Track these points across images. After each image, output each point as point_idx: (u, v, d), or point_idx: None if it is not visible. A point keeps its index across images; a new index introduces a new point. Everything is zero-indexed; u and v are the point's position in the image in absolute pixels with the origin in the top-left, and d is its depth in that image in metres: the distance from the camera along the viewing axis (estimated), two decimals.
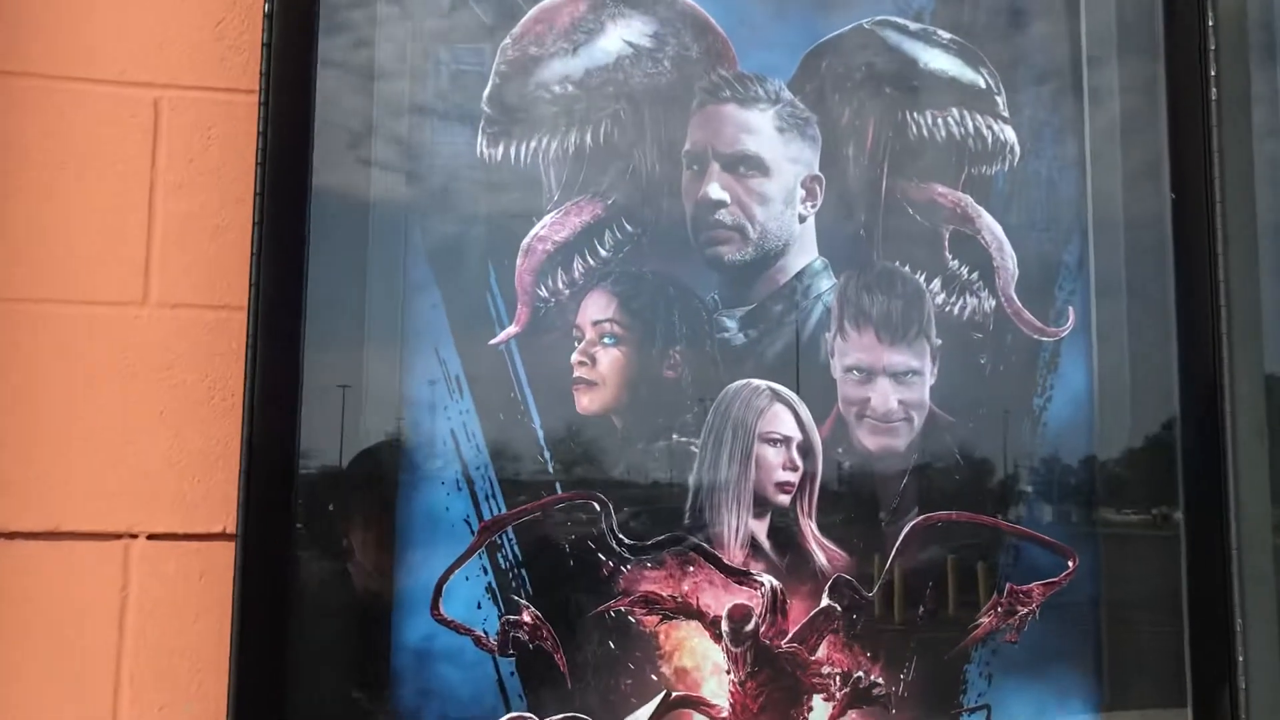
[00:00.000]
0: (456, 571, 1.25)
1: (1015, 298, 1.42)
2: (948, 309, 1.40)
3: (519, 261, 1.31)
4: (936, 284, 1.40)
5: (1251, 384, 1.44)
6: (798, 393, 1.35)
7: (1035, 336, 1.41)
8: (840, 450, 1.35)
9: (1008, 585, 1.36)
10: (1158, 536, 1.41)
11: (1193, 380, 1.42)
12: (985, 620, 1.35)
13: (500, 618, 1.25)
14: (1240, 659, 1.37)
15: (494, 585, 1.26)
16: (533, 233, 1.31)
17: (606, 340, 1.32)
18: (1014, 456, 1.39)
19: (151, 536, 1.28)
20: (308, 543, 1.22)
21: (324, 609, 1.23)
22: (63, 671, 1.24)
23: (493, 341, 1.29)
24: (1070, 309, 1.43)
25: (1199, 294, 1.43)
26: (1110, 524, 1.41)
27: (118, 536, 1.27)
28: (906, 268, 1.40)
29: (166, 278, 1.31)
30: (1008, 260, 1.42)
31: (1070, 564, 1.39)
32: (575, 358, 1.31)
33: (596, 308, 1.32)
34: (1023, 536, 1.38)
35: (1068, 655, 1.38)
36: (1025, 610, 1.37)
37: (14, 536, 1.25)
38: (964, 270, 1.41)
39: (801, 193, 1.38)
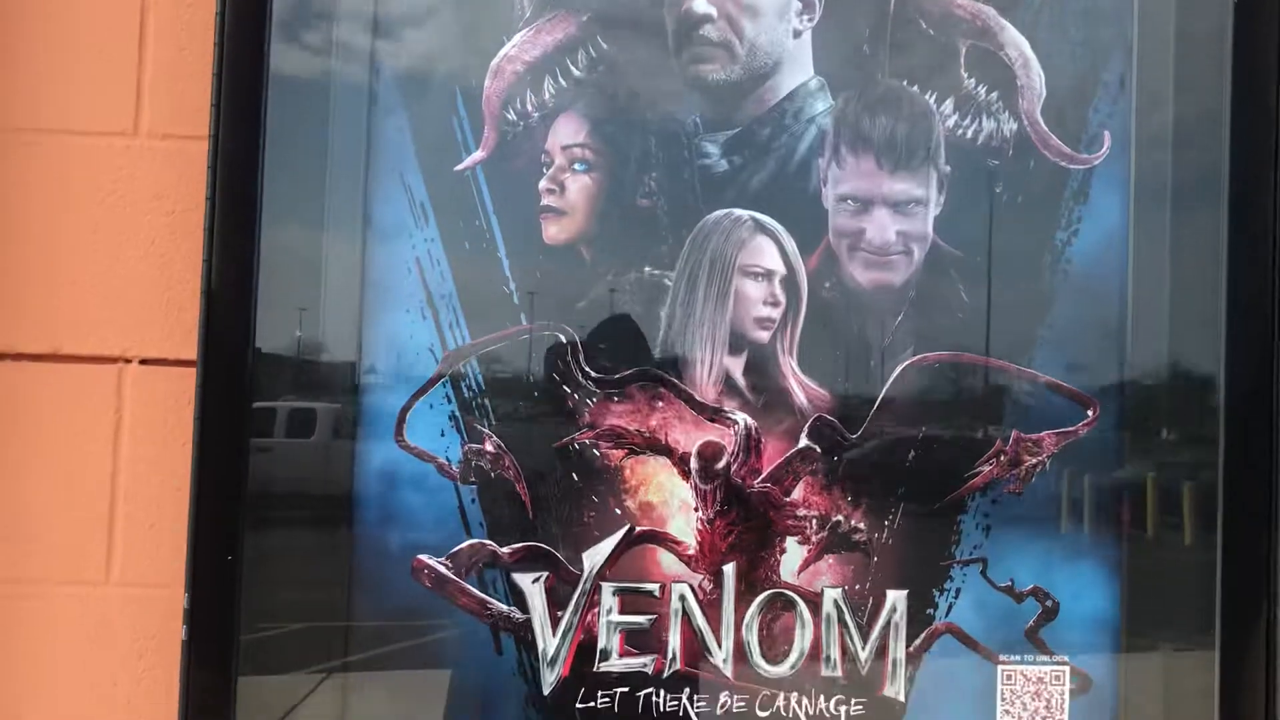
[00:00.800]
0: (420, 400, 1.25)
1: (1041, 120, 1.28)
2: (960, 132, 1.27)
3: (487, 83, 1.26)
4: (948, 105, 1.27)
5: None
6: (783, 223, 1.26)
7: (1062, 164, 1.28)
8: (828, 285, 1.26)
9: (1014, 433, 1.26)
10: (1192, 388, 1.27)
11: (1245, 219, 1.26)
12: (985, 469, 1.26)
13: (463, 446, 1.24)
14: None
15: (457, 414, 1.25)
16: (502, 53, 1.26)
17: (577, 166, 1.26)
18: (1029, 294, 1.27)
19: (144, 361, 1.32)
20: (268, 368, 1.23)
21: (288, 435, 1.25)
22: (63, 487, 1.31)
23: (458, 168, 1.26)
24: (1106, 134, 1.28)
25: (1258, 119, 1.26)
26: (1140, 371, 1.27)
27: (113, 360, 1.32)
28: (914, 87, 1.28)
29: (156, 109, 1.33)
30: (1034, 79, 1.28)
31: (1090, 413, 1.27)
32: (544, 185, 1.26)
33: (567, 132, 1.26)
34: (1034, 380, 1.27)
35: (1080, 512, 1.27)
36: (1033, 460, 1.26)
37: (19, 358, 1.32)
38: (981, 90, 1.28)
39: (798, 5, 1.27)
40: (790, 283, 1.26)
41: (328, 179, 1.24)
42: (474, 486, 1.24)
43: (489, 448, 1.24)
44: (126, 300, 1.32)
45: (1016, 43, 1.28)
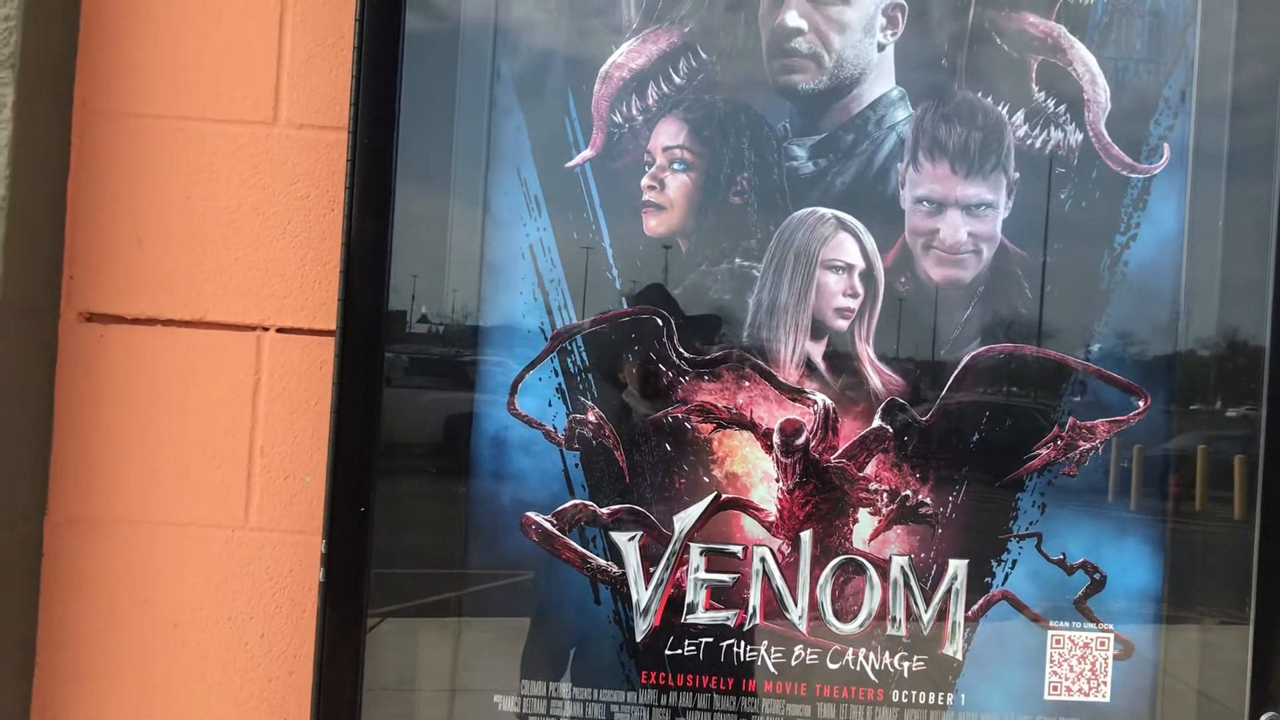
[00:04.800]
0: (530, 373, 1.38)
1: (1105, 132, 1.38)
2: (1029, 142, 1.38)
3: (596, 88, 1.39)
4: (1019, 116, 1.38)
5: None
6: (863, 222, 1.38)
7: (1123, 173, 1.38)
8: (903, 280, 1.38)
9: (1070, 419, 1.38)
10: (1239, 383, 1.38)
11: None
12: (1043, 452, 1.38)
13: (568, 415, 1.38)
14: None
15: (563, 387, 1.38)
16: (611, 60, 1.39)
17: (676, 166, 1.39)
18: (1088, 293, 1.38)
19: (280, 330, 1.47)
20: (400, 340, 1.38)
21: (413, 399, 1.39)
22: (207, 440, 1.46)
23: (569, 164, 1.39)
24: (1166, 146, 1.39)
25: None
26: (1192, 363, 1.38)
27: (252, 328, 1.47)
28: (989, 99, 1.39)
29: (294, 101, 1.47)
30: (1099, 93, 1.38)
31: (1141, 404, 1.38)
32: (645, 182, 1.39)
33: (668, 134, 1.39)
34: (1090, 372, 1.38)
35: (1130, 493, 1.38)
36: (1087, 445, 1.38)
37: (168, 323, 1.47)
38: (1050, 103, 1.38)
39: (882, 20, 1.39)
40: (868, 276, 1.38)
41: (453, 171, 1.38)
42: (577, 453, 1.38)
43: (591, 418, 1.38)
44: (265, 275, 1.46)
45: (1084, 59, 1.39)
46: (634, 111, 1.39)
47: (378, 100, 1.36)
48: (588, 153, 1.39)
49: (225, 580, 1.45)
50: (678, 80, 1.39)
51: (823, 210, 1.38)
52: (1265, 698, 1.35)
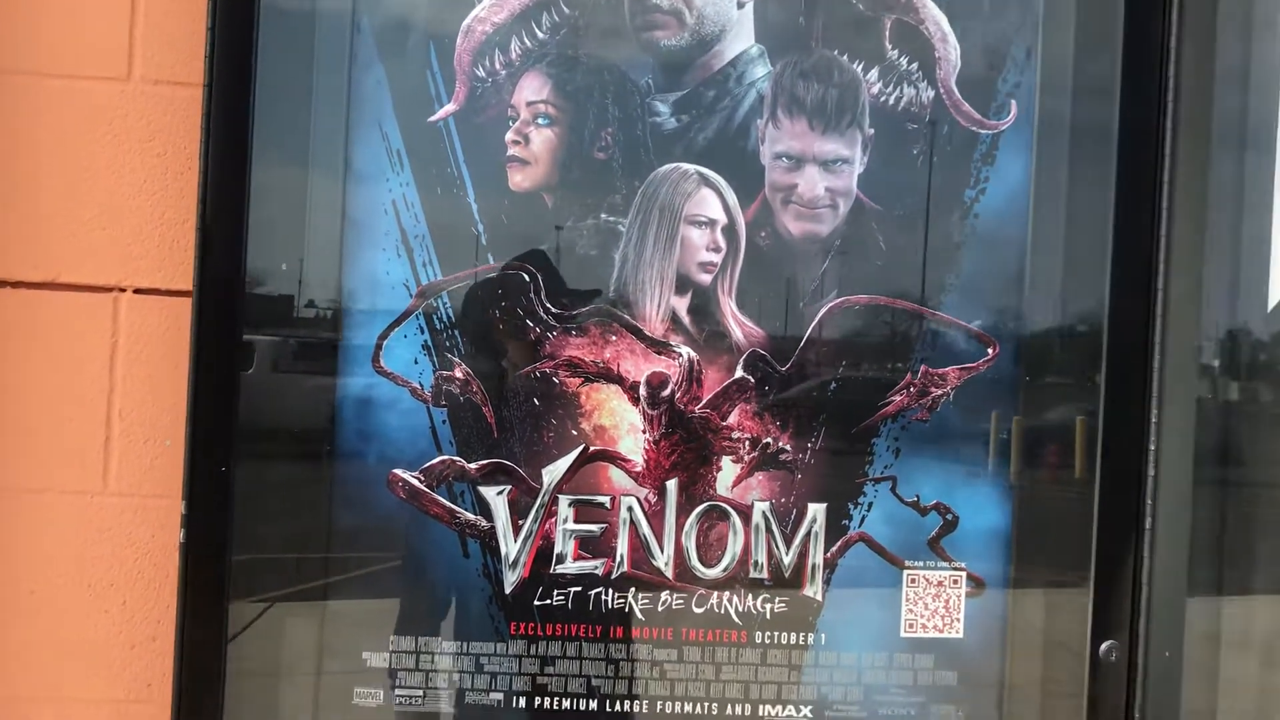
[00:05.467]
0: (395, 330, 1.38)
1: (955, 89, 1.43)
2: (883, 99, 1.42)
3: (459, 42, 1.38)
4: (874, 74, 1.42)
5: (1195, 185, 1.44)
6: (725, 177, 1.41)
7: (973, 129, 1.43)
8: (763, 234, 1.41)
9: (923, 367, 1.43)
10: (1081, 335, 1.45)
11: (1132, 185, 1.43)
12: (897, 399, 1.43)
13: (435, 372, 1.38)
14: (1153, 445, 1.42)
15: (430, 344, 1.38)
16: (473, 13, 1.38)
17: (540, 121, 1.39)
18: (940, 245, 1.43)
19: (138, 291, 1.44)
20: (260, 299, 1.36)
21: (276, 357, 1.38)
22: (63, 404, 1.42)
23: (432, 119, 1.38)
24: (1013, 102, 1.44)
25: (1147, 91, 1.42)
26: (1037, 316, 1.45)
27: (108, 290, 1.43)
28: (845, 56, 1.42)
29: (148, 57, 1.43)
30: (950, 51, 1.43)
31: (991, 351, 1.44)
32: (510, 137, 1.39)
33: (531, 89, 1.39)
34: (942, 322, 1.43)
35: (980, 438, 1.44)
36: (939, 392, 1.43)
37: (18, 285, 1.43)
38: (903, 60, 1.43)
39: None
40: (730, 231, 1.41)
41: (313, 126, 1.36)
42: (444, 409, 1.38)
43: (458, 374, 1.38)
44: (121, 235, 1.43)
45: (936, 18, 1.43)
46: (497, 66, 1.39)
47: (234, 55, 1.33)
48: (450, 107, 1.38)
49: (84, 546, 1.42)
50: (540, 35, 1.39)
51: (686, 166, 1.40)
52: (1105, 629, 1.43)
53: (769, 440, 1.41)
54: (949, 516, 1.43)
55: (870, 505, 1.43)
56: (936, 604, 1.43)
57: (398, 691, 1.38)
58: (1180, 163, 1.42)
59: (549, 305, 1.39)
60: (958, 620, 1.43)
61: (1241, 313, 1.49)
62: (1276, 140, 1.47)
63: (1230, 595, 1.50)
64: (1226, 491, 1.48)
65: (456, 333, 1.39)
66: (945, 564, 1.43)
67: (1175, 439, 1.42)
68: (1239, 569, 1.51)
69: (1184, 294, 1.43)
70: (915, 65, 1.43)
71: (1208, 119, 1.43)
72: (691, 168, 1.40)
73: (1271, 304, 1.48)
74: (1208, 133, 1.43)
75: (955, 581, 1.44)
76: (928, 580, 1.43)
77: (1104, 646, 1.43)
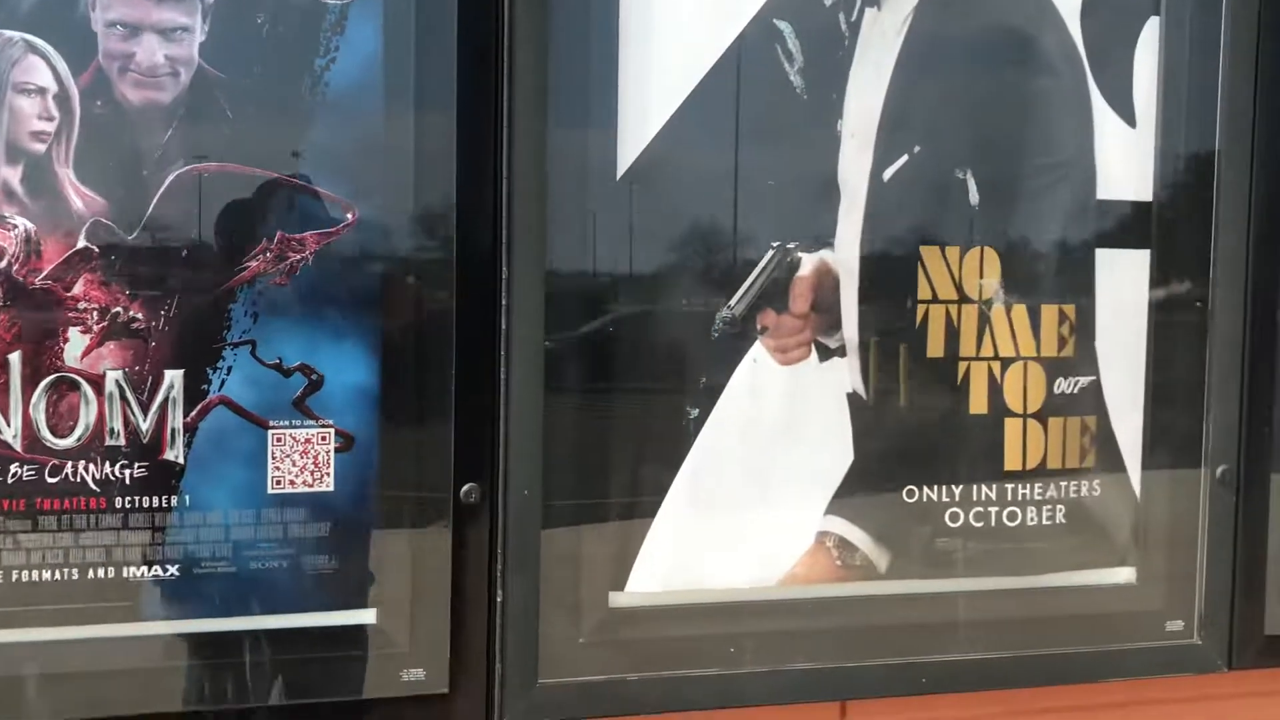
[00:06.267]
0: None
1: None
2: None
3: None
4: None
5: (533, 55, 1.52)
6: (53, 45, 1.39)
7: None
8: (100, 103, 1.41)
9: (279, 233, 1.47)
10: (435, 208, 1.52)
11: (474, 59, 1.50)
12: (253, 264, 1.47)
13: None
14: (505, 301, 1.52)
15: None
16: None
17: None
18: (291, 113, 1.47)
19: None
20: None
21: None
22: None
23: None
24: None
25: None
26: (393, 186, 1.51)
27: None
28: None
29: None
30: None
31: (349, 217, 1.49)
32: None
33: None
34: (297, 189, 1.48)
35: (342, 301, 1.50)
36: (297, 257, 1.48)
37: None
38: None
39: None
40: (63, 99, 1.40)
41: None
42: None
43: None
44: None
45: None
46: None
47: None
48: None
49: None
50: None
51: (9, 33, 1.38)
52: (465, 474, 1.53)
53: (119, 310, 1.42)
54: (314, 377, 1.49)
55: (230, 369, 1.47)
56: (305, 460, 1.49)
57: None
58: (519, 21, 1.51)
59: None
60: (327, 475, 1.50)
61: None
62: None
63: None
64: (580, 348, 1.59)
65: None
66: (313, 422, 1.49)
67: (527, 302, 1.53)
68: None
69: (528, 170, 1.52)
70: None
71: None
72: (17, 34, 1.38)
73: (621, 172, 1.59)
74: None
75: (323, 438, 1.50)
76: (294, 439, 1.49)
77: (465, 488, 1.53)
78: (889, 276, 1.68)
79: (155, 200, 1.43)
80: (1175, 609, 1.80)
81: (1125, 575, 1.80)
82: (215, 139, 1.45)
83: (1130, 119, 1.75)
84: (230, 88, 1.45)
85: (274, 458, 1.48)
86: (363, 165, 1.50)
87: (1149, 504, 1.79)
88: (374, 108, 1.50)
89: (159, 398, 1.44)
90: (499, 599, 1.55)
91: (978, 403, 1.71)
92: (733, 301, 1.63)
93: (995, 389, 1.72)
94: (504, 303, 1.52)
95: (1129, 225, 1.76)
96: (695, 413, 1.63)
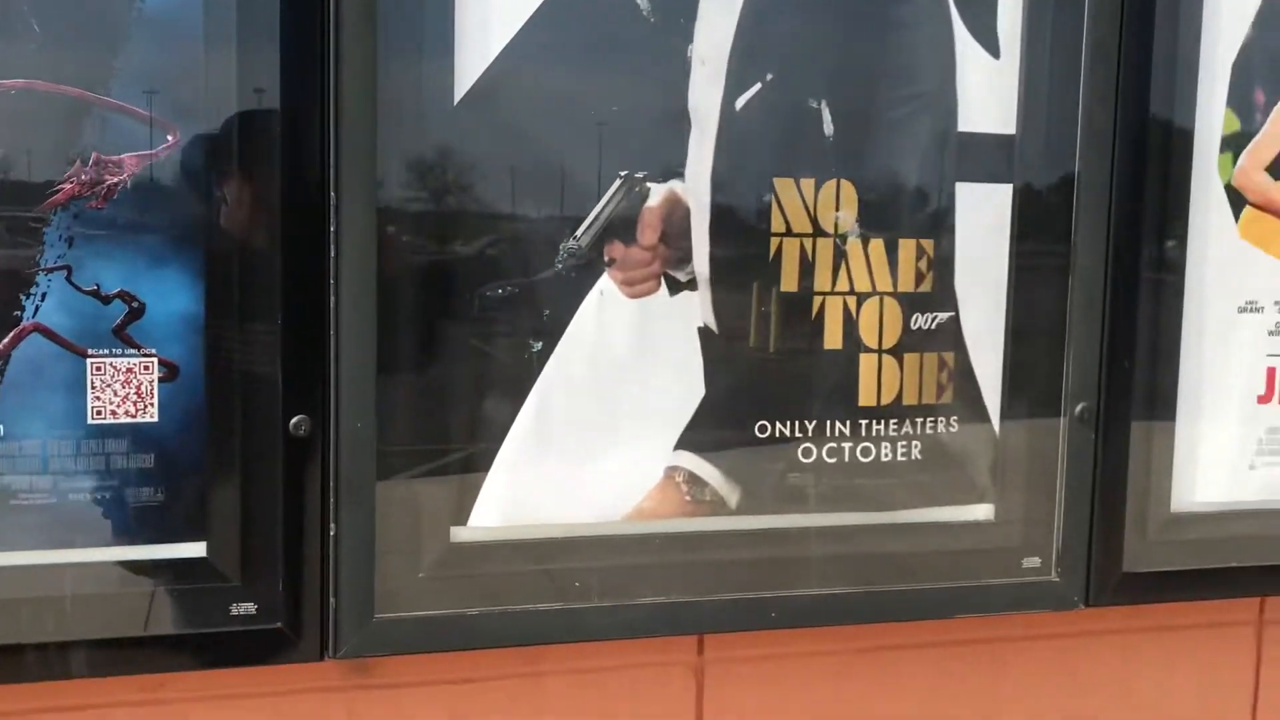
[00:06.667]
0: None
1: None
2: None
3: None
4: None
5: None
6: None
7: None
8: None
9: (94, 154, 1.42)
10: (260, 125, 1.47)
11: None
12: (67, 187, 1.41)
13: None
14: (333, 227, 1.48)
15: None
16: None
17: None
18: (105, 32, 1.41)
19: None
20: None
21: None
22: None
23: None
24: None
25: None
26: (216, 102, 1.46)
27: None
28: None
29: None
30: None
31: (170, 138, 1.44)
32: None
33: None
34: (112, 108, 1.42)
35: (165, 226, 1.45)
36: (115, 180, 1.43)
37: None
38: None
39: None
40: None
41: None
42: None
43: None
44: None
45: None
46: None
47: None
48: None
49: None
50: None
51: None
52: (295, 406, 1.50)
53: None
54: (134, 304, 1.45)
55: (44, 295, 1.42)
56: (127, 390, 1.45)
57: None
58: None
59: None
60: (151, 405, 1.47)
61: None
62: None
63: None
64: (414, 277, 1.55)
65: None
66: (134, 351, 1.45)
67: (356, 231, 1.48)
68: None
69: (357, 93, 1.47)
70: None
71: None
72: None
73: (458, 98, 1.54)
74: None
75: (146, 368, 1.46)
76: (115, 368, 1.45)
77: (294, 420, 1.50)
78: (741, 208, 1.65)
79: None
80: (1033, 546, 1.80)
81: (983, 512, 1.80)
82: (21, 54, 1.39)
83: (994, 49, 1.71)
84: (38, 2, 1.39)
85: (94, 387, 1.44)
86: (184, 86, 1.44)
87: (1008, 441, 1.79)
88: (194, 26, 1.44)
89: None
90: (332, 533, 1.52)
91: (832, 338, 1.69)
92: (578, 233, 1.59)
93: (850, 324, 1.69)
94: (332, 229, 1.48)
95: (991, 159, 1.73)
96: (539, 346, 1.60)
